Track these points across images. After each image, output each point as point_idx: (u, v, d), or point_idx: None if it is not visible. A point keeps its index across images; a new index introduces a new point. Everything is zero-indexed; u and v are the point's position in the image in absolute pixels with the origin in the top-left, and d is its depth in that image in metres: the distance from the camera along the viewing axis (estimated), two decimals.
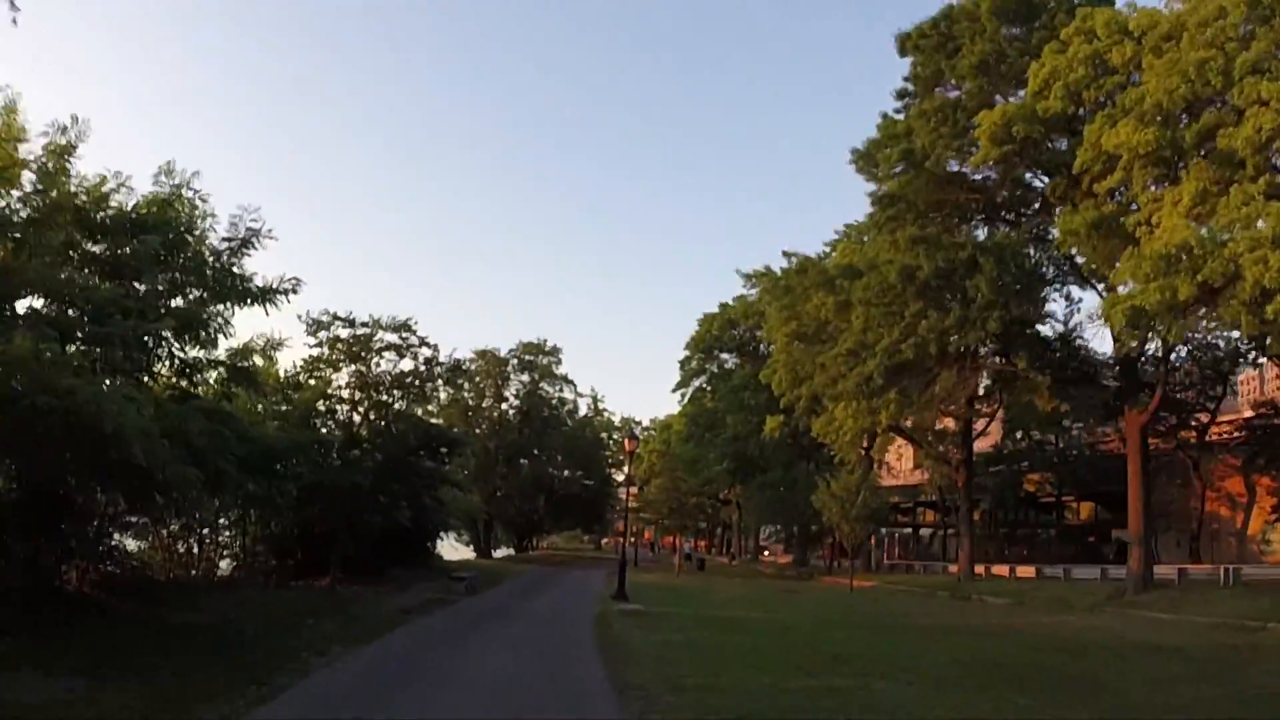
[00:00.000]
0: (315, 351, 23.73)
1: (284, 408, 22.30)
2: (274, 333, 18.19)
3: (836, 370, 33.85)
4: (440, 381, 24.52)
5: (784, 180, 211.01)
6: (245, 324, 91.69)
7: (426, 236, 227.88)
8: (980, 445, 47.52)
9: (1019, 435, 52.52)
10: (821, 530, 45.81)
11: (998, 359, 32.77)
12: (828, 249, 48.08)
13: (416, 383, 24.12)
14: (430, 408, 28.00)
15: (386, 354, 24.18)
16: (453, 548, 58.88)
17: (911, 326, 30.00)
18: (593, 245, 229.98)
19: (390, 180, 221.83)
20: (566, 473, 66.59)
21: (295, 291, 15.24)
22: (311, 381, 23.38)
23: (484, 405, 53.27)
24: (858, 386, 32.01)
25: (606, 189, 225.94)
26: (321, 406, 23.55)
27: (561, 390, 55.76)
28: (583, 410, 57.83)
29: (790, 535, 51.06)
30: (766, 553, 71.27)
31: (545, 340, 55.90)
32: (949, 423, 43.42)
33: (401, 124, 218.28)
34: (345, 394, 24.00)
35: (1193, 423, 40.80)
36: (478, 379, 53.49)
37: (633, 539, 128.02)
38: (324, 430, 23.37)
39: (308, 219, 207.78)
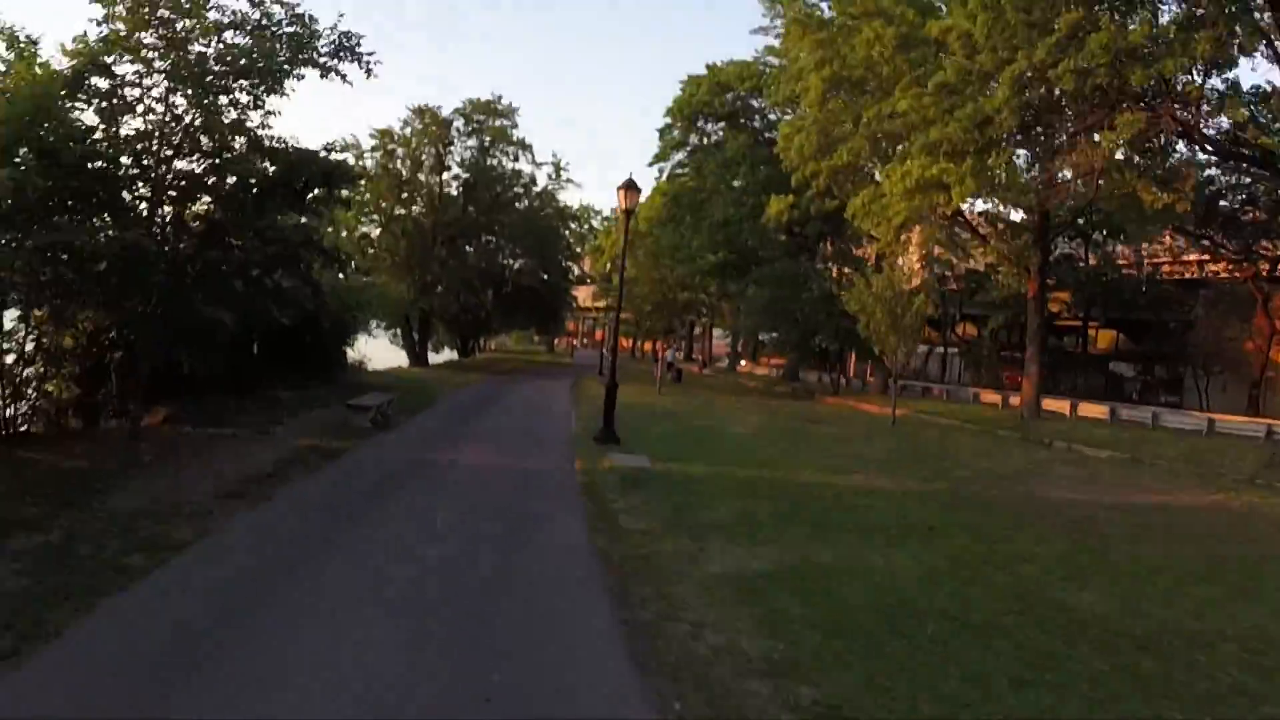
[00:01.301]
0: None
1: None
2: None
3: (920, 114, 23.73)
4: (310, 67, 13.83)
5: None
6: None
7: None
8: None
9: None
10: (837, 339, 37.05)
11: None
12: None
13: (267, 66, 13.37)
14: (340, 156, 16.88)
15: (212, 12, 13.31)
16: (388, 351, 49.63)
17: (1064, 46, 19.72)
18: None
19: None
20: (519, 263, 56.51)
21: None
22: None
23: (420, 177, 42.17)
24: (966, 135, 21.96)
25: None
26: (95, 91, 12.96)
27: (517, 160, 44.57)
28: (542, 182, 46.72)
29: (788, 344, 42.37)
30: (744, 363, 63.33)
31: (499, 98, 44.35)
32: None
33: None
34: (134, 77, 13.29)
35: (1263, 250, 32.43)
36: (414, 143, 42.17)
37: (584, 340, 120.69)
38: (104, 147, 12.97)
39: None
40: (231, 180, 14.20)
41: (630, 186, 18.47)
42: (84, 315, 15.17)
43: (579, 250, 74.02)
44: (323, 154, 15.14)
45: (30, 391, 15.82)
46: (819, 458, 18.12)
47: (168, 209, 14.43)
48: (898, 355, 28.95)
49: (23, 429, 15.31)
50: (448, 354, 64.33)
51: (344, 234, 37.27)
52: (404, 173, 41.29)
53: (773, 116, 47.22)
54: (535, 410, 26.30)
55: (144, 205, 14.16)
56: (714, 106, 47.55)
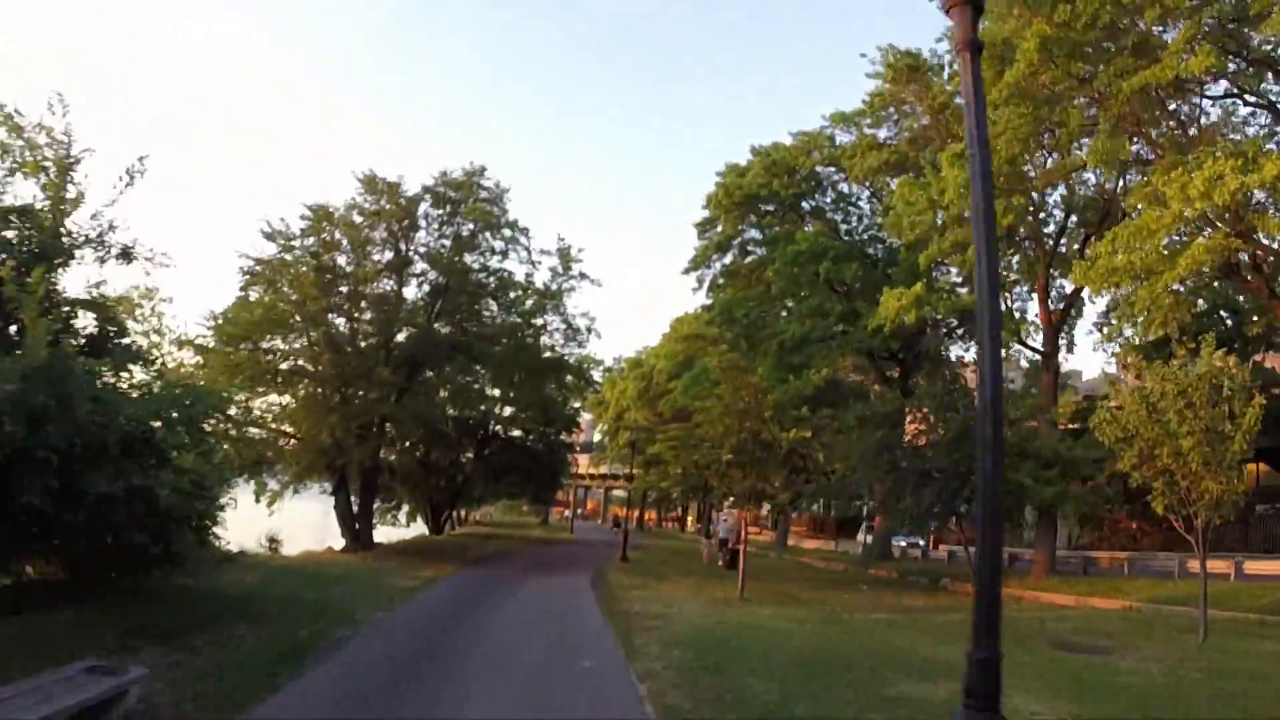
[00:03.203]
0: None
1: None
2: None
3: None
4: None
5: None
6: None
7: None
8: None
9: None
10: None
11: None
12: None
13: None
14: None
15: None
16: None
17: None
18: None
19: None
20: (507, 409, 43.12)
21: None
22: None
23: (365, 270, 29.24)
24: None
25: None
26: None
27: (506, 256, 31.52)
28: (543, 279, 32.57)
29: (902, 502, 28.45)
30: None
31: (482, 169, 31.76)
32: None
33: None
34: None
35: None
36: (362, 229, 29.75)
37: (579, 511, 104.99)
38: None
39: None
40: None
41: None
42: None
43: (579, 405, 60.97)
44: None
45: None
46: None
47: None
48: (1221, 505, 15.20)
49: None
50: (417, 528, 49.85)
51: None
52: (345, 266, 28.47)
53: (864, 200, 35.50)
54: (550, 668, 11.99)
55: None
56: (773, 190, 35.59)
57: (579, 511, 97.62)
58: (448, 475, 47.24)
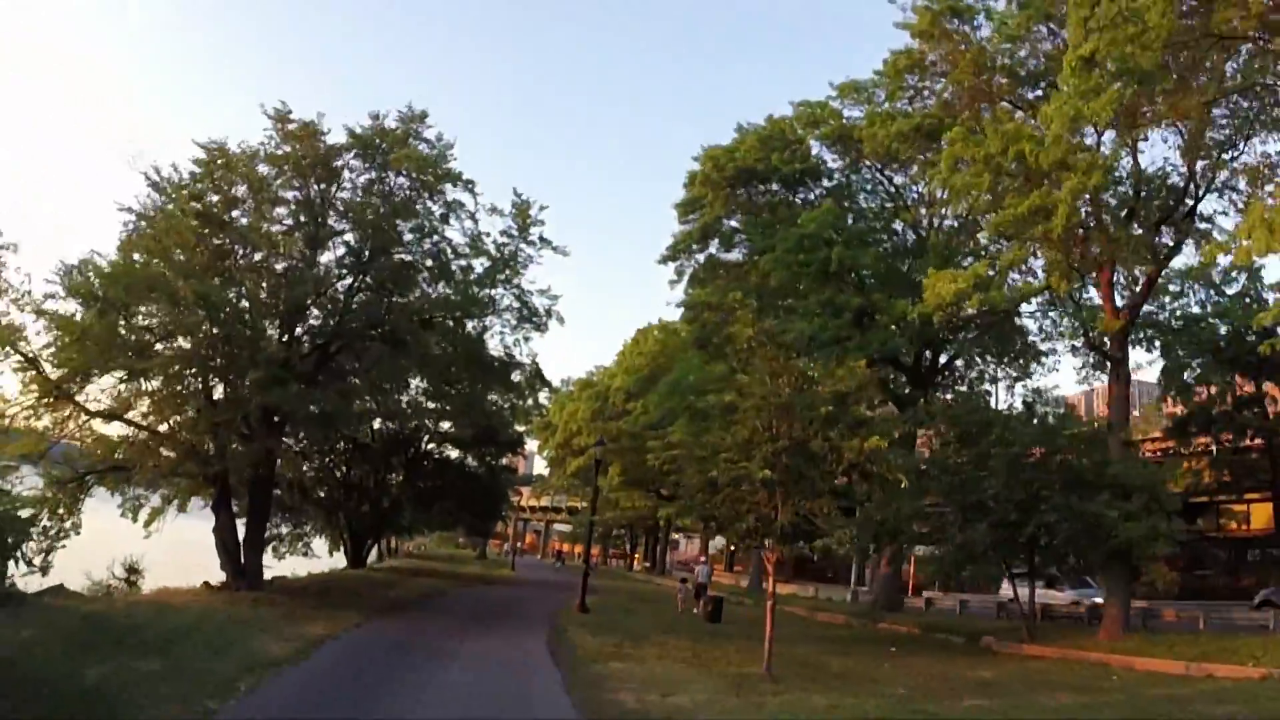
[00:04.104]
0: None
1: None
2: None
3: None
4: None
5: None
6: None
7: None
8: None
9: None
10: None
11: None
12: None
13: None
14: None
15: None
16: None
17: None
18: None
19: None
20: (444, 424, 36.42)
21: None
22: None
23: (271, 229, 22.35)
24: None
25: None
26: None
27: (449, 215, 24.90)
28: (494, 249, 24.91)
29: (948, 540, 22.45)
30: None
31: (421, 114, 25.58)
32: None
33: None
34: None
35: None
36: (267, 173, 22.96)
37: (519, 545, 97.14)
38: None
39: None
40: None
41: None
42: None
43: (524, 429, 54.32)
44: None
45: None
46: None
47: None
48: None
49: None
50: (340, 559, 42.27)
51: None
52: (241, 219, 21.62)
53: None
54: None
55: None
56: (771, 164, 29.69)
57: (518, 546, 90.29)
58: (371, 498, 40.13)
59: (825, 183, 31.63)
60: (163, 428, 21.37)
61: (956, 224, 28.96)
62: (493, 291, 23.37)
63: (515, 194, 24.15)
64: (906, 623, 28.11)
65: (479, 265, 23.57)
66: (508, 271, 23.39)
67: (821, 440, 13.60)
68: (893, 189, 31.58)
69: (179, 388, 19.35)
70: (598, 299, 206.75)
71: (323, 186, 24.26)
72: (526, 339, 24.43)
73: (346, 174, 24.67)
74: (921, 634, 25.91)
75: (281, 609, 18.19)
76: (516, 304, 23.82)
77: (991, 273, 23.34)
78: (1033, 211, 20.98)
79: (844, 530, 13.30)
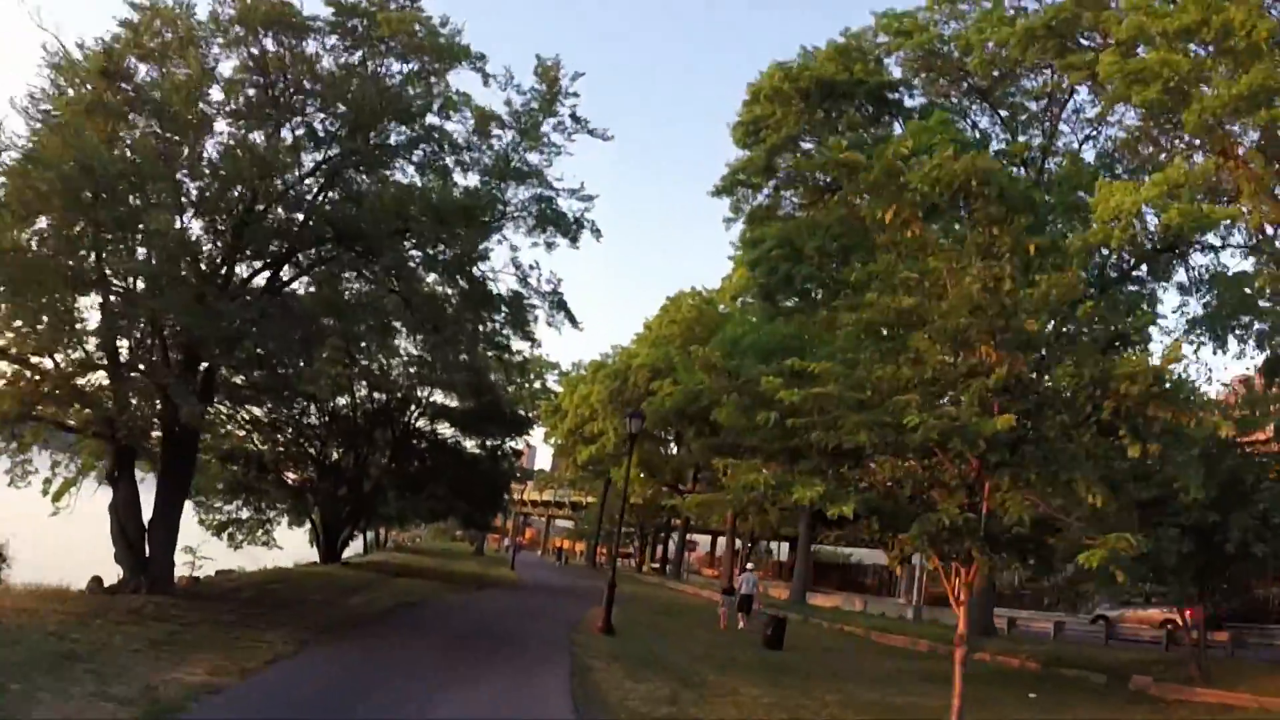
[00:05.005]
0: None
1: None
2: None
3: None
4: None
5: None
6: None
7: None
8: None
9: None
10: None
11: None
12: None
13: None
14: None
15: None
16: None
17: None
18: None
19: None
20: (436, 394, 30.45)
21: None
22: None
23: (204, 91, 16.38)
24: None
25: None
26: None
27: (449, 117, 18.06)
28: (509, 138, 18.61)
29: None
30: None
31: None
32: None
33: None
34: None
35: None
36: (216, 37, 16.96)
37: (519, 540, 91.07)
38: None
39: None
40: None
41: None
42: None
43: (531, 414, 48.97)
44: None
45: None
46: None
47: None
48: None
49: None
50: (298, 548, 36.03)
51: None
52: (149, 74, 15.72)
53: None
54: None
55: None
56: (855, 76, 23.62)
57: (518, 541, 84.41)
58: (349, 480, 34.15)
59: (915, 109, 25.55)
60: (43, 362, 15.38)
61: (1094, 151, 22.84)
62: (504, 185, 17.05)
63: (539, 59, 17.80)
64: (1012, 652, 22.06)
65: (487, 157, 17.18)
66: (522, 149, 16.97)
67: (1069, 376, 7.58)
68: (1000, 116, 25.46)
69: (41, 298, 13.17)
70: (598, 300, 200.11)
71: (282, 46, 18.06)
72: (550, 244, 17.79)
73: (323, 56, 18.49)
74: (1041, 669, 19.88)
75: (166, 628, 12.02)
76: (535, 205, 17.44)
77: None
78: (1251, 93, 15.20)
79: (1127, 533, 7.06)
